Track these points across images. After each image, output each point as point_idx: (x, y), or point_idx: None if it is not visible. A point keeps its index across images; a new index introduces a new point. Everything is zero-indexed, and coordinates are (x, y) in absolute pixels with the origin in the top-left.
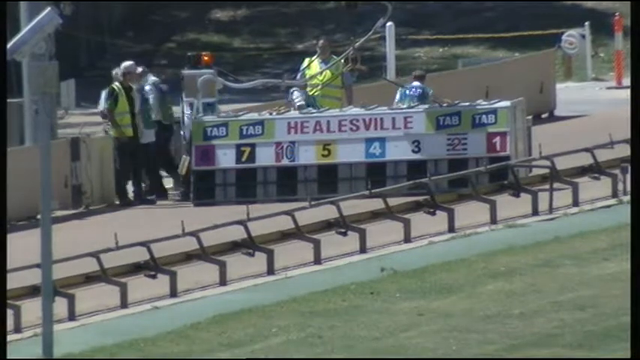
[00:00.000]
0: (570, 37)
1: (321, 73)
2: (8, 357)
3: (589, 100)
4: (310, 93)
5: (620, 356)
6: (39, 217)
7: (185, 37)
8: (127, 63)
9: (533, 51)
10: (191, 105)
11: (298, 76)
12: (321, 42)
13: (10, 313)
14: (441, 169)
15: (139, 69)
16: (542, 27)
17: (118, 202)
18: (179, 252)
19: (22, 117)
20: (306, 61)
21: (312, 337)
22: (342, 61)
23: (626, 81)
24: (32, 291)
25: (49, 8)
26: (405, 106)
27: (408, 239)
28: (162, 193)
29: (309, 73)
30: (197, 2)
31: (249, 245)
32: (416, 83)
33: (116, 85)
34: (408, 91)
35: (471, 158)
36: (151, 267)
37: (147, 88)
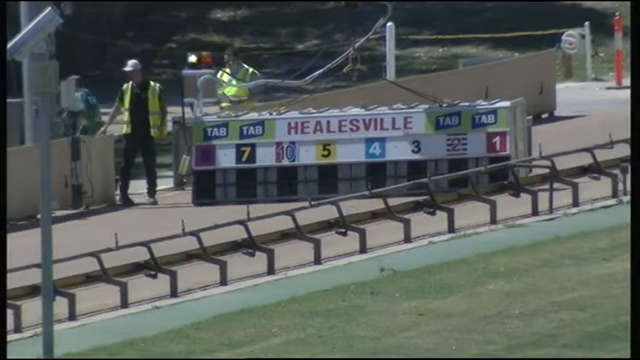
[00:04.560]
0: (570, 37)
1: (229, 83)
2: (8, 357)
3: (589, 100)
4: (222, 106)
5: (620, 356)
6: (39, 216)
7: (185, 37)
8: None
9: (533, 51)
10: (191, 105)
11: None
12: (225, 55)
13: (10, 313)
14: (441, 169)
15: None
16: (542, 27)
17: (120, 202)
18: (179, 252)
19: (22, 117)
20: (219, 73)
21: (312, 337)
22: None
23: (626, 81)
24: (32, 291)
25: (49, 8)
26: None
27: (408, 239)
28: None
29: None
30: (197, 2)
31: (249, 245)
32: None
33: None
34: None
35: (470, 158)
36: (152, 267)
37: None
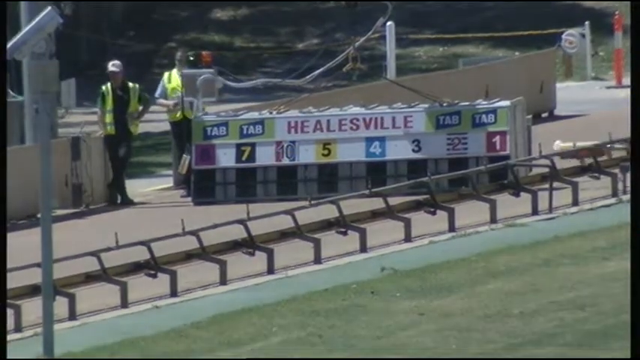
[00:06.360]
0: (570, 36)
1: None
2: (8, 357)
3: (589, 100)
4: (171, 108)
5: (620, 355)
6: (39, 216)
7: (186, 37)
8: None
9: (534, 50)
10: (191, 104)
11: (157, 92)
12: (178, 54)
13: (10, 312)
14: (441, 169)
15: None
16: (542, 27)
17: (118, 201)
18: (179, 251)
19: (22, 117)
20: (166, 75)
21: (312, 337)
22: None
23: (626, 80)
24: (32, 290)
25: (49, 8)
26: None
27: (408, 238)
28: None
29: (170, 87)
30: (197, 2)
31: (249, 244)
32: None
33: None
34: None
35: (471, 157)
36: (152, 266)
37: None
